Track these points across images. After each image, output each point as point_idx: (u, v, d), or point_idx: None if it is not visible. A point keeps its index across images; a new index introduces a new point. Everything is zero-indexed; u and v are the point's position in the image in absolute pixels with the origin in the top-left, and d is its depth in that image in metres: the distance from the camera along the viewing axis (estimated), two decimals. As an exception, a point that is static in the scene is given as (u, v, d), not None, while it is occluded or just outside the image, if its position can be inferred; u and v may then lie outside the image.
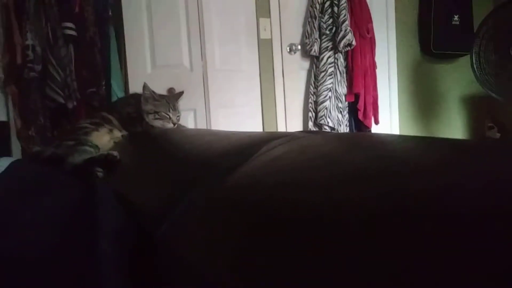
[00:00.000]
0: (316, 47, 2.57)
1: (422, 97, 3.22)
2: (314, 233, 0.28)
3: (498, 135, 3.26)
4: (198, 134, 0.94)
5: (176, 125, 1.30)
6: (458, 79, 3.30)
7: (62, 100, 2.01)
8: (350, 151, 0.40)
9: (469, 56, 2.68)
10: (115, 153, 1.06)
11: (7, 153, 2.00)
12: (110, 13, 2.18)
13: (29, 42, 1.95)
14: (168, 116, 1.27)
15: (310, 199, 0.32)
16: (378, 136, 0.46)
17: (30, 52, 1.94)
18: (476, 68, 2.60)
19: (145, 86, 1.29)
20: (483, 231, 0.20)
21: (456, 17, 3.07)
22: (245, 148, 0.55)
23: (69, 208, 0.66)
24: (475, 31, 2.74)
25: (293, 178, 0.37)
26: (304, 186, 0.34)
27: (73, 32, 2.03)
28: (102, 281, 0.43)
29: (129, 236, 0.55)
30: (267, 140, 0.55)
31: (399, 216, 0.24)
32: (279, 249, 0.30)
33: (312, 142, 0.49)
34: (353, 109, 2.71)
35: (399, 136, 0.44)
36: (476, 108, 3.39)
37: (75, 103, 2.04)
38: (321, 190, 0.32)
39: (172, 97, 1.34)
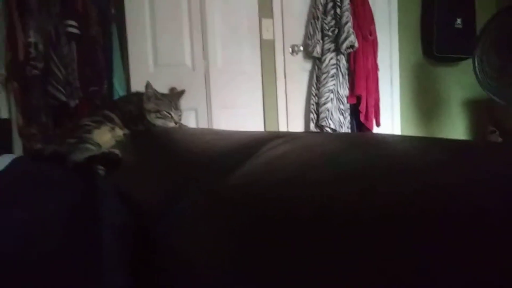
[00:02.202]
0: (318, 49, 2.57)
1: (424, 100, 3.22)
2: (313, 232, 0.28)
3: (500, 139, 3.26)
4: (200, 133, 0.94)
5: (177, 124, 1.30)
6: (460, 82, 3.30)
7: (64, 98, 2.01)
8: (351, 151, 0.40)
9: (471, 59, 2.68)
10: (117, 151, 1.06)
11: (9, 150, 2.01)
12: (113, 12, 2.19)
13: (32, 39, 1.95)
14: (170, 115, 1.27)
15: (311, 198, 0.32)
16: (379, 136, 0.46)
17: (32, 50, 1.95)
18: (478, 71, 2.59)
19: (148, 85, 1.29)
20: (484, 231, 0.20)
21: (459, 21, 3.06)
22: (247, 147, 0.55)
23: (71, 204, 0.67)
24: (477, 34, 2.74)
25: (293, 177, 0.37)
26: (305, 185, 0.34)
27: (76, 30, 2.04)
28: (105, 273, 0.43)
29: (131, 231, 0.56)
30: (268, 139, 0.55)
31: (400, 216, 0.24)
32: (279, 247, 0.30)
33: (314, 142, 0.49)
34: (354, 111, 2.71)
35: (401, 136, 0.44)
36: (478, 112, 3.38)
37: (77, 101, 2.05)
38: (321, 190, 0.32)
39: (174, 96, 1.34)
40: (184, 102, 1.40)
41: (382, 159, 0.34)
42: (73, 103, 2.04)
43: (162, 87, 1.38)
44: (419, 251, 0.21)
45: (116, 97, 2.15)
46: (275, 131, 0.71)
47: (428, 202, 0.24)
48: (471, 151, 0.33)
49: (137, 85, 1.91)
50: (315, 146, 0.46)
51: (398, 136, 0.44)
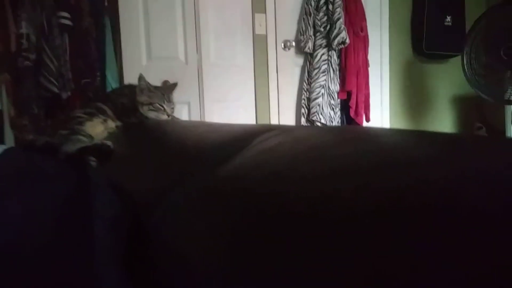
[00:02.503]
0: (310, 44, 2.59)
1: (413, 96, 3.25)
2: (307, 228, 0.28)
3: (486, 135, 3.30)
4: (192, 125, 0.95)
5: (170, 116, 1.30)
6: (449, 79, 3.34)
7: (56, 90, 2.01)
8: (342, 144, 0.40)
9: (460, 57, 2.71)
10: (109, 143, 1.07)
11: (0, 141, 2.00)
12: (106, 4, 2.18)
13: (24, 30, 1.94)
14: (162, 108, 1.28)
15: (301, 192, 0.32)
16: (370, 130, 0.46)
17: (24, 41, 1.94)
18: (467, 68, 2.63)
19: (140, 77, 1.30)
20: (477, 227, 0.20)
21: (448, 18, 3.10)
22: (239, 139, 0.55)
23: (63, 196, 0.67)
24: (467, 32, 2.77)
25: (284, 171, 0.37)
26: (295, 179, 0.34)
27: (68, 22, 2.03)
28: (97, 267, 0.43)
29: (124, 223, 0.56)
30: (260, 132, 0.54)
31: (394, 212, 0.24)
32: (272, 243, 0.30)
33: (305, 135, 0.48)
34: (345, 106, 2.74)
35: (391, 130, 0.44)
36: (465, 109, 3.43)
37: (69, 93, 2.04)
38: (314, 184, 0.32)
39: (167, 89, 1.35)
40: (176, 96, 1.41)
41: (374, 153, 0.33)
42: (65, 95, 2.03)
43: (155, 80, 1.38)
44: (414, 248, 0.21)
45: (108, 89, 2.15)
46: (267, 124, 0.71)
47: (420, 198, 0.24)
48: (460, 144, 0.33)
49: (130, 78, 1.92)
50: (307, 139, 0.46)
51: (388, 129, 0.44)
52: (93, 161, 1.04)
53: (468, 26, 2.86)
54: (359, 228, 0.25)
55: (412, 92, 3.25)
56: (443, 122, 3.41)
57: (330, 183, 0.31)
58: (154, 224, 0.54)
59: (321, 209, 0.28)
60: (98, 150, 1.06)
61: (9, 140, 2.01)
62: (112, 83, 2.18)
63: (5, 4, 1.94)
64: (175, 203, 0.51)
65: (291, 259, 0.28)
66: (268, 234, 0.31)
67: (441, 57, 3.26)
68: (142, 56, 2.22)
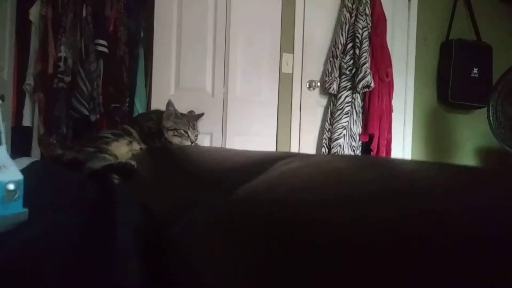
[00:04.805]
0: (335, 86, 2.62)
1: (435, 144, 3.22)
2: (326, 252, 0.28)
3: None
4: (215, 150, 0.97)
5: (193, 143, 1.34)
6: (473, 130, 3.30)
7: (86, 112, 2.08)
8: (359, 171, 0.40)
9: (485, 108, 2.70)
10: (133, 162, 1.10)
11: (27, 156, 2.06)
12: (141, 35, 2.28)
13: (62, 54, 2.05)
14: (187, 134, 1.31)
15: (321, 217, 0.31)
16: (389, 159, 0.46)
17: (62, 64, 2.04)
18: (492, 121, 2.61)
19: (169, 103, 1.34)
20: (494, 254, 0.20)
21: (475, 70, 3.10)
22: (258, 164, 0.55)
23: (89, 205, 0.69)
24: (493, 84, 2.77)
25: (302, 195, 0.37)
26: (305, 204, 0.34)
27: (104, 49, 2.13)
28: (119, 268, 0.44)
29: (144, 232, 0.58)
30: (280, 158, 0.54)
31: (417, 238, 0.24)
32: (283, 264, 0.30)
33: (324, 161, 0.48)
34: (366, 149, 2.73)
35: (413, 161, 0.44)
36: (489, 161, 3.37)
37: (98, 116, 2.11)
38: (333, 208, 0.32)
39: (193, 117, 1.39)
40: (200, 126, 1.44)
41: (396, 180, 0.33)
42: (94, 117, 2.10)
43: (181, 110, 1.42)
44: (433, 278, 0.21)
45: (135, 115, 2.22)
46: (288, 152, 0.71)
47: (445, 227, 0.23)
48: (485, 176, 0.32)
49: (157, 106, 1.97)
50: (325, 164, 0.46)
51: (410, 160, 0.44)
52: (116, 179, 1.07)
53: (495, 78, 2.86)
54: (383, 256, 0.24)
55: (435, 141, 3.22)
56: (466, 173, 3.34)
57: (352, 208, 0.30)
58: (171, 239, 0.54)
59: (342, 235, 0.28)
60: (122, 168, 1.09)
61: (36, 157, 2.07)
62: (139, 110, 2.25)
63: (48, 28, 2.05)
64: (191, 222, 0.52)
65: (306, 283, 0.27)
66: (283, 259, 0.31)
67: (466, 108, 3.24)
68: (170, 86, 2.27)
